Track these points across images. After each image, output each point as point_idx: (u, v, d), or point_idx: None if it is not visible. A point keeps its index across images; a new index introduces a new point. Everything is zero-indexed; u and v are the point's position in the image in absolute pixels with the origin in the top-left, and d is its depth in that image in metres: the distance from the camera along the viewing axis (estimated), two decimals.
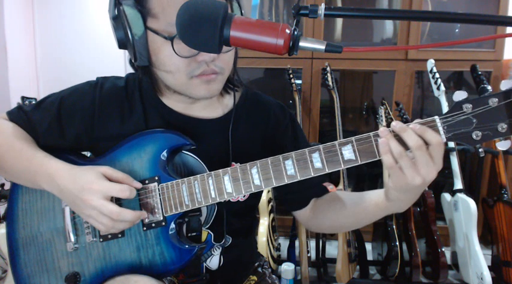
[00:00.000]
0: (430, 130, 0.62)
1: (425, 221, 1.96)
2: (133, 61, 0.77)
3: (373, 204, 0.77)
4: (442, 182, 2.66)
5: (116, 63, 2.58)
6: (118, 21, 0.73)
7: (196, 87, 0.77)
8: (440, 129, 0.63)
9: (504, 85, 0.61)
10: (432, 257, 1.92)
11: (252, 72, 2.68)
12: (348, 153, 0.67)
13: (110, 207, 0.71)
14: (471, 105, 0.62)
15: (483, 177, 2.32)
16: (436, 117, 0.63)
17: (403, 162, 0.62)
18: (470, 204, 1.85)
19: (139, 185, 0.76)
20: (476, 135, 0.62)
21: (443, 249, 1.88)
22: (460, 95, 0.63)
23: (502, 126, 0.61)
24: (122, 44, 0.75)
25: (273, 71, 2.67)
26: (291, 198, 0.94)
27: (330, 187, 0.93)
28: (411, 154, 0.62)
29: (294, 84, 2.18)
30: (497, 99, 0.61)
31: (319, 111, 2.47)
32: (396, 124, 0.63)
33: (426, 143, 0.62)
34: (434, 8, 2.42)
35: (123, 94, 0.86)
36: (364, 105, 2.57)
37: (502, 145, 0.62)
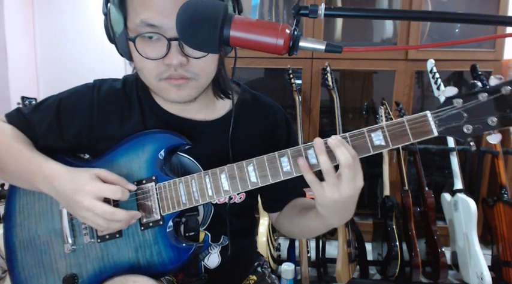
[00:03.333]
0: (348, 145, 0.65)
1: (425, 221, 1.96)
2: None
3: (314, 216, 0.79)
4: (442, 182, 2.66)
5: (116, 63, 2.58)
6: (107, 17, 0.75)
7: (166, 90, 0.77)
8: (432, 123, 0.64)
9: (493, 81, 0.63)
10: (432, 257, 1.92)
11: (252, 72, 2.68)
12: None
13: (103, 207, 0.71)
14: (461, 100, 0.63)
15: (483, 177, 2.32)
16: (428, 112, 0.64)
17: (329, 178, 0.65)
18: (470, 204, 1.85)
19: (133, 187, 0.76)
20: (467, 128, 0.63)
21: (443, 249, 1.88)
22: (450, 91, 0.64)
23: (492, 120, 0.62)
24: (109, 39, 0.78)
25: (273, 71, 2.67)
26: (269, 200, 0.97)
27: (310, 193, 0.94)
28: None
29: (294, 84, 2.18)
30: (486, 94, 0.62)
31: (319, 111, 2.47)
32: (333, 138, 0.65)
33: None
34: (434, 8, 2.42)
35: (121, 96, 0.87)
36: (364, 105, 2.57)
37: (492, 139, 0.64)
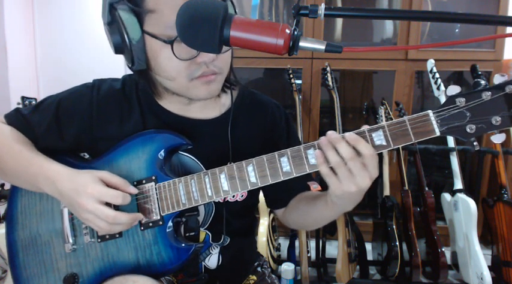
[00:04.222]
0: (363, 141, 0.64)
1: (425, 221, 1.96)
2: (130, 66, 0.76)
3: (323, 203, 0.78)
4: (442, 182, 2.66)
5: (116, 64, 2.58)
6: (113, 26, 0.72)
7: (197, 88, 0.77)
8: (434, 123, 0.63)
9: (497, 79, 0.62)
10: (432, 257, 1.92)
11: (252, 72, 2.68)
12: None
13: (105, 211, 0.71)
14: (464, 99, 0.62)
15: (483, 177, 2.32)
16: (430, 111, 0.64)
17: (340, 171, 0.64)
18: (470, 204, 1.85)
19: (134, 191, 0.76)
20: (470, 128, 0.62)
21: (443, 249, 1.88)
22: (453, 89, 0.64)
23: (496, 119, 0.61)
24: (119, 49, 0.74)
25: (273, 71, 2.67)
26: (273, 196, 0.96)
27: (314, 186, 0.94)
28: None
29: (294, 84, 2.18)
30: (490, 93, 0.61)
31: (319, 111, 2.46)
32: (331, 135, 0.65)
33: (360, 153, 0.64)
34: (434, 8, 2.42)
35: (121, 96, 0.86)
36: (364, 105, 2.56)
37: (496, 139, 0.63)
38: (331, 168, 0.66)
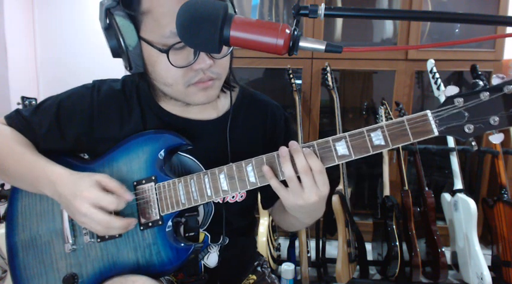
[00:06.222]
0: (315, 156, 0.66)
1: (425, 221, 1.96)
2: (128, 69, 0.77)
3: (286, 212, 0.80)
4: (442, 182, 2.66)
5: (116, 64, 2.58)
6: (110, 31, 0.72)
7: (194, 94, 0.77)
8: (432, 122, 0.64)
9: (495, 80, 0.62)
10: (432, 257, 1.92)
11: (252, 72, 2.68)
12: (341, 148, 0.67)
13: (99, 215, 0.71)
14: (462, 99, 0.63)
15: (483, 177, 2.32)
16: (428, 111, 0.64)
17: (291, 184, 0.67)
18: (470, 204, 1.85)
19: (130, 197, 0.75)
20: (469, 128, 0.63)
21: (443, 249, 1.88)
22: (451, 90, 0.64)
23: (494, 119, 0.61)
24: (116, 53, 0.75)
25: (273, 71, 2.67)
26: (263, 196, 0.98)
27: None
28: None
29: (294, 84, 2.18)
30: (488, 93, 0.62)
31: (319, 111, 2.46)
32: (292, 145, 0.68)
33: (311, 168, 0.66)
34: (434, 8, 2.42)
35: (121, 97, 0.86)
36: (364, 105, 2.56)
37: (494, 139, 0.63)
38: (283, 182, 0.69)
